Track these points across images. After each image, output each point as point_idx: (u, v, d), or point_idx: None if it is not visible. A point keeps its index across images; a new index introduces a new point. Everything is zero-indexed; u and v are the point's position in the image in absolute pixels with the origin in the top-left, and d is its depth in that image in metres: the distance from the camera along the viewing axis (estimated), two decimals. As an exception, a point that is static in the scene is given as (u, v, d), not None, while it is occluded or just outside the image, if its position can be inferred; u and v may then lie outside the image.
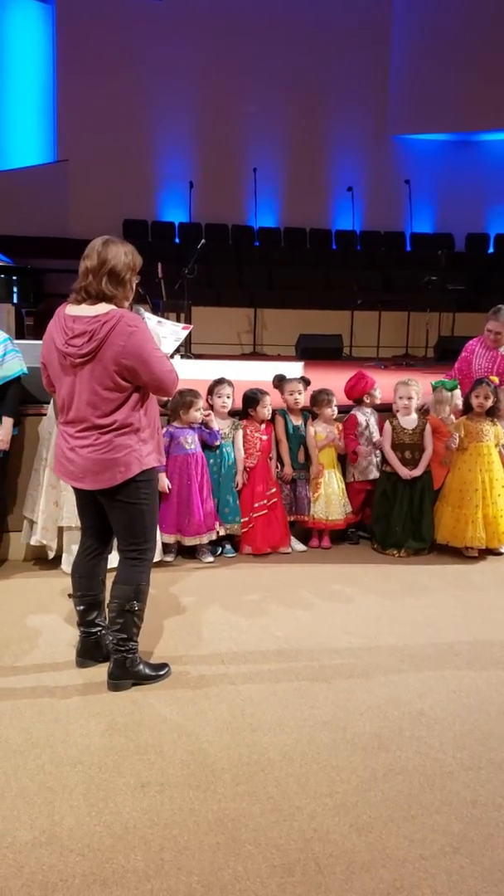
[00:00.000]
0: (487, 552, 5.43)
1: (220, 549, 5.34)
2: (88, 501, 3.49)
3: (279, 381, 5.60)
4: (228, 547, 5.37)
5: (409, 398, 5.47)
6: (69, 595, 3.62)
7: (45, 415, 5.02)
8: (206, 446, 5.24)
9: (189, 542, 5.12)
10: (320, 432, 5.55)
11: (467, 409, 5.51)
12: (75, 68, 13.45)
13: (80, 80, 13.41)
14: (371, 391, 5.72)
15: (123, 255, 3.24)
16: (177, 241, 13.94)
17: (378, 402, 5.78)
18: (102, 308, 3.21)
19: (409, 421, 5.49)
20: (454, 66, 14.16)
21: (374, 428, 5.65)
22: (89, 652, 3.64)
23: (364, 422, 5.64)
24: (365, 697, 3.42)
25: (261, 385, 5.60)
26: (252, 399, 5.43)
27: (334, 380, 6.04)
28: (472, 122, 14.59)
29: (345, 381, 5.81)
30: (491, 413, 5.43)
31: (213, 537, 5.22)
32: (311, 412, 5.62)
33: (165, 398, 4.66)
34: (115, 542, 3.64)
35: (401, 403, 5.50)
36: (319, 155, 14.60)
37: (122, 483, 3.28)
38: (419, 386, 5.55)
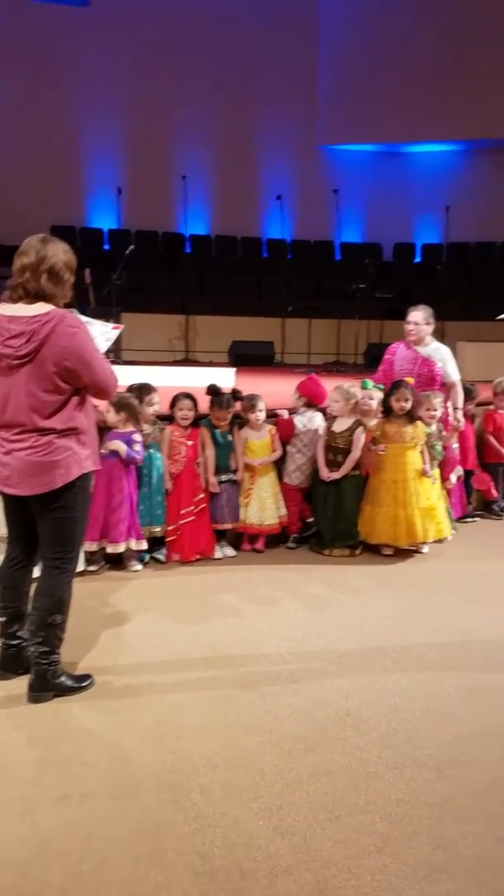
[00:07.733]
0: (414, 551, 5.52)
1: (147, 554, 5.24)
2: (19, 510, 3.38)
3: (215, 395, 5.47)
4: (162, 550, 5.27)
5: (336, 402, 5.54)
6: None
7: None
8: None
9: (112, 549, 4.98)
10: (253, 439, 5.53)
11: (387, 411, 5.56)
12: (0, 73, 13.21)
13: (6, 86, 13.17)
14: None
15: (62, 252, 3.19)
16: (106, 247, 13.81)
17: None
18: (42, 308, 3.12)
19: (340, 424, 5.55)
20: (381, 78, 14.35)
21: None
22: (9, 664, 3.52)
23: (302, 426, 5.66)
24: (291, 700, 3.40)
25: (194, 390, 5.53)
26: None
27: (266, 386, 6.04)
28: (399, 133, 14.79)
29: (277, 386, 5.79)
30: (410, 415, 5.50)
31: (134, 545, 5.03)
32: (239, 418, 5.59)
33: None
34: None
35: (332, 406, 5.58)
36: (249, 163, 14.64)
37: (60, 488, 3.19)
38: (350, 391, 5.59)
